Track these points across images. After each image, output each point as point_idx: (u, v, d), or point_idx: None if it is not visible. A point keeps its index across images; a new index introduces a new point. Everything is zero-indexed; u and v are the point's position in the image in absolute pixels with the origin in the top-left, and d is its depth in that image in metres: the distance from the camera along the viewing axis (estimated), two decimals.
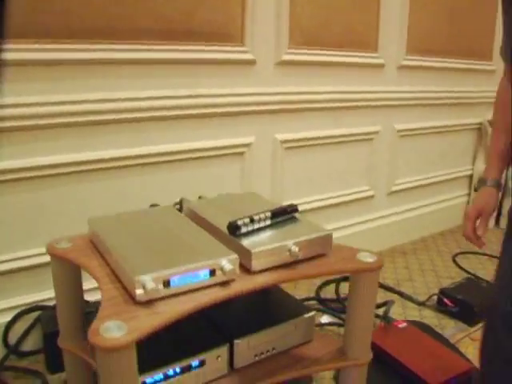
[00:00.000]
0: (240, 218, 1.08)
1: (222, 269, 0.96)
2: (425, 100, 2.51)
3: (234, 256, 0.98)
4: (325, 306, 1.90)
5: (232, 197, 1.34)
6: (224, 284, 0.98)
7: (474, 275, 2.21)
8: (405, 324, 1.68)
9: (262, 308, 1.25)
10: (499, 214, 2.81)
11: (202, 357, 1.05)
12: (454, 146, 2.79)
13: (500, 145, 1.10)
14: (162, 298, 0.92)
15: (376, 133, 2.35)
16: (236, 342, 1.10)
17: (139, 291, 0.88)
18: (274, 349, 1.17)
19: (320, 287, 2.05)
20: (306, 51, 1.99)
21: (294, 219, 1.18)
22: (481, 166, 2.84)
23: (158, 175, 1.72)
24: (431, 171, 2.70)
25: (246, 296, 1.29)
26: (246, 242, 1.04)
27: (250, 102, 1.89)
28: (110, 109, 1.55)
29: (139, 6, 1.55)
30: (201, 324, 1.17)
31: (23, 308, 1.57)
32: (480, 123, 2.84)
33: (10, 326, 1.55)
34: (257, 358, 1.14)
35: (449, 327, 1.81)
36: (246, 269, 1.03)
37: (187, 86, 1.72)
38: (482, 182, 1.13)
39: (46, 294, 1.59)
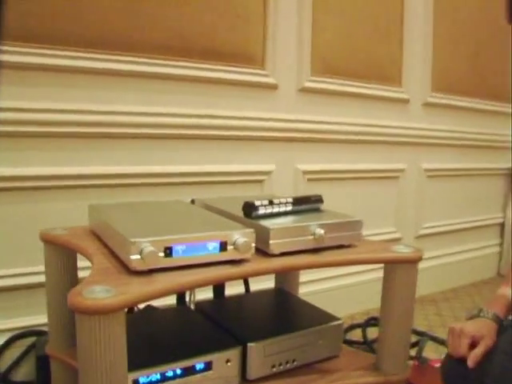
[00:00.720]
0: (258, 199, 0.95)
1: (234, 243, 0.82)
2: (452, 140, 2.40)
3: (250, 230, 0.84)
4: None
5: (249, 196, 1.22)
6: (236, 263, 0.83)
7: None
8: None
9: (281, 314, 1.08)
10: None
11: (208, 358, 0.88)
12: (484, 190, 2.64)
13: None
14: (162, 270, 0.77)
15: (402, 171, 2.23)
16: (250, 345, 0.93)
17: (135, 257, 0.75)
18: (294, 361, 0.99)
19: (345, 331, 1.85)
20: (328, 79, 1.93)
21: (318, 209, 1.05)
22: None
23: (162, 197, 1.60)
24: (460, 216, 2.54)
25: (263, 301, 1.14)
26: (263, 222, 0.90)
27: (271, 127, 1.81)
28: (118, 122, 1.48)
29: (157, 21, 1.51)
30: (211, 328, 1.01)
31: (17, 332, 1.41)
32: (509, 168, 2.71)
33: (1, 351, 1.39)
34: (274, 370, 0.96)
35: None
36: (262, 252, 0.89)
37: (204, 105, 1.65)
38: (481, 312, 0.97)
39: (43, 317, 1.44)
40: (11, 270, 1.39)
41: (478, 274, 2.64)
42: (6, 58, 1.28)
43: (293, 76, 1.84)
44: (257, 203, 0.93)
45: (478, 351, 0.88)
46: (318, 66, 1.89)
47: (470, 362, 0.87)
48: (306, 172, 1.92)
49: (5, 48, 1.27)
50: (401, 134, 2.19)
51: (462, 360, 0.88)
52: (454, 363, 0.91)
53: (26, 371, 1.42)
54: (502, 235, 2.77)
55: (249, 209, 0.92)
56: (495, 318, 0.95)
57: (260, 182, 1.82)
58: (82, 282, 0.71)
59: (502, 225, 2.77)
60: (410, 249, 0.95)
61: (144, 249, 0.74)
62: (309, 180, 1.94)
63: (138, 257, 0.75)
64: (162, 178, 1.57)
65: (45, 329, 1.41)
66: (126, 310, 0.72)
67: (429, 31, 2.23)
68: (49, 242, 0.97)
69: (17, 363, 1.40)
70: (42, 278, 1.27)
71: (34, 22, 1.32)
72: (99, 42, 1.43)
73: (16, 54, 1.30)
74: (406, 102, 2.19)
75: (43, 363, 1.26)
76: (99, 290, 0.69)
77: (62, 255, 0.99)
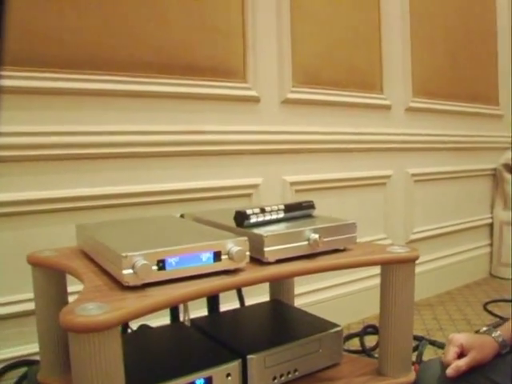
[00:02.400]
0: (249, 208, 0.93)
1: (228, 253, 0.80)
2: (436, 144, 2.42)
3: (243, 238, 0.82)
4: None
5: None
6: (231, 273, 0.81)
7: None
8: None
9: (279, 324, 1.06)
10: None
11: (207, 373, 0.86)
12: (471, 192, 2.65)
13: None
14: (156, 284, 0.75)
15: (388, 177, 2.23)
16: (249, 357, 0.91)
17: (127, 271, 0.72)
18: (296, 371, 0.96)
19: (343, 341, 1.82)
20: (310, 90, 1.93)
21: (310, 216, 1.03)
22: (500, 213, 2.68)
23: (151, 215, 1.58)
24: (449, 219, 2.54)
25: (260, 313, 1.12)
26: (256, 230, 0.89)
27: (255, 140, 1.80)
28: (102, 142, 1.46)
29: (137, 39, 1.51)
30: (208, 343, 0.98)
31: (9, 362, 1.37)
32: (494, 169, 2.73)
33: None
34: (276, 382, 0.94)
35: None
36: (257, 260, 0.87)
37: (188, 121, 1.63)
38: (489, 330, 0.93)
39: (35, 346, 1.40)
40: (0, 298, 1.35)
41: (471, 275, 2.64)
42: None
43: (275, 88, 1.84)
44: (248, 212, 0.92)
45: (461, 362, 0.83)
46: (299, 77, 1.89)
47: (450, 370, 0.83)
48: (293, 183, 1.91)
49: None
50: (385, 140, 2.20)
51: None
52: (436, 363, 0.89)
53: None
54: (491, 235, 2.78)
55: (240, 218, 0.91)
56: (499, 338, 0.90)
57: (248, 195, 1.80)
58: (74, 300, 0.68)
59: (491, 225, 2.78)
60: (405, 249, 0.94)
61: (136, 262, 0.72)
62: (296, 191, 1.93)
63: (131, 271, 0.72)
64: (149, 196, 1.55)
65: (37, 358, 1.37)
66: (120, 327, 0.69)
67: (406, 37, 2.26)
68: (37, 264, 0.94)
69: None
70: (32, 306, 1.24)
71: (14, 44, 1.31)
72: (80, 63, 1.42)
73: None
74: (388, 108, 2.21)
75: None
76: (92, 306, 0.66)
77: (50, 278, 0.96)
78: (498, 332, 0.91)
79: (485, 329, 0.93)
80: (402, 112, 2.27)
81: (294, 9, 1.85)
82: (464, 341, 0.87)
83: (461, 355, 0.85)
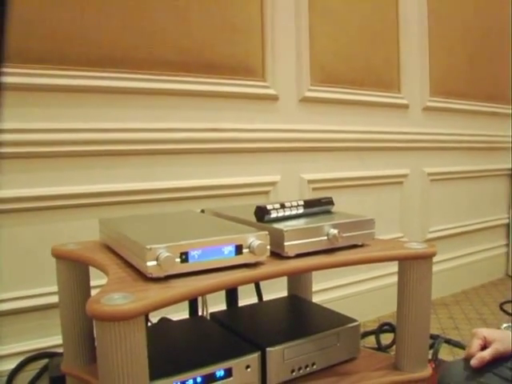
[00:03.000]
0: (269, 203, 0.95)
1: (249, 246, 0.82)
2: (453, 143, 2.41)
3: (264, 233, 0.84)
4: None
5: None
6: (251, 266, 0.83)
7: None
8: None
9: (298, 319, 1.07)
10: None
11: (227, 365, 0.87)
12: (487, 192, 2.64)
13: None
14: (178, 276, 0.77)
15: (405, 176, 2.23)
16: (268, 350, 0.92)
17: (151, 263, 0.74)
18: (314, 364, 0.98)
19: None
20: (328, 88, 1.94)
21: (328, 212, 1.05)
22: None
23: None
24: (466, 219, 2.53)
25: (279, 308, 1.13)
26: (276, 225, 0.90)
27: (274, 138, 1.82)
28: (125, 139, 1.48)
29: (157, 37, 1.53)
30: (228, 336, 1.00)
31: (29, 355, 1.40)
32: (511, 169, 2.71)
33: (14, 374, 1.37)
34: (294, 375, 0.95)
35: None
36: (277, 255, 0.88)
37: (207, 119, 1.65)
38: None
39: (56, 339, 1.42)
40: (23, 291, 1.38)
41: (487, 275, 2.62)
42: (10, 79, 1.29)
43: (293, 86, 1.86)
44: (269, 207, 0.93)
45: (484, 353, 0.86)
46: (317, 76, 1.90)
47: (475, 361, 0.85)
48: (310, 181, 1.92)
49: (9, 70, 1.29)
50: (402, 139, 2.20)
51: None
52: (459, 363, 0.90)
53: None
54: (508, 235, 2.76)
55: (261, 212, 0.92)
56: None
57: (266, 193, 1.82)
58: (100, 291, 0.70)
59: (508, 225, 2.76)
60: (423, 245, 0.95)
61: (160, 255, 0.74)
62: (314, 189, 1.94)
63: (155, 263, 0.74)
64: (169, 193, 1.57)
65: (58, 350, 1.40)
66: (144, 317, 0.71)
67: (424, 36, 2.25)
68: (61, 257, 0.97)
69: None
70: (54, 299, 1.26)
71: (36, 43, 1.34)
72: (102, 61, 1.44)
73: (18, 76, 1.31)
74: (405, 107, 2.21)
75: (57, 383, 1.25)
76: (117, 297, 0.68)
77: (74, 270, 0.98)
78: None
79: (505, 325, 0.95)
80: (420, 111, 2.27)
81: (312, 8, 1.86)
82: (487, 334, 0.89)
83: (484, 348, 0.87)
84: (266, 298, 1.37)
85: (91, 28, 1.41)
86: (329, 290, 1.96)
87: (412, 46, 2.20)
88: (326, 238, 0.90)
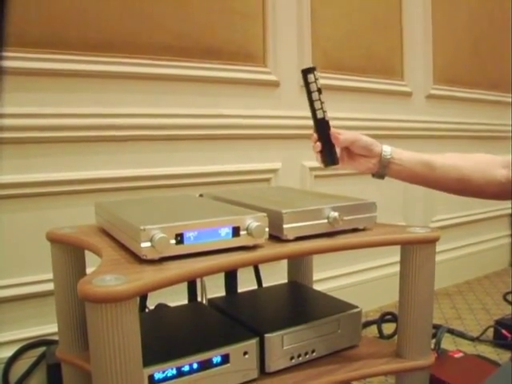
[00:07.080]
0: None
1: (247, 228, 0.79)
2: (456, 132, 2.37)
3: (263, 214, 0.81)
4: None
5: (258, 188, 1.19)
6: (249, 249, 0.80)
7: None
8: (461, 354, 1.44)
9: (298, 305, 1.05)
10: None
11: (224, 351, 0.85)
12: None
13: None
14: (173, 258, 0.75)
15: None
16: (267, 336, 0.90)
17: (145, 245, 0.72)
18: (313, 351, 0.95)
19: None
20: (330, 75, 1.91)
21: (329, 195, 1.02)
22: None
23: None
24: (469, 209, 2.50)
25: (278, 294, 1.11)
26: (275, 207, 0.88)
27: (275, 125, 1.79)
28: (123, 124, 1.46)
29: (156, 22, 1.50)
30: (226, 322, 0.98)
31: (27, 342, 1.38)
32: None
33: (11, 362, 1.35)
34: (293, 362, 0.93)
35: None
36: (276, 238, 0.86)
37: (206, 105, 1.63)
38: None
39: (55, 326, 1.40)
40: (19, 278, 1.36)
41: (490, 265, 2.60)
42: (8, 63, 1.27)
43: (294, 72, 1.82)
44: None
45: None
46: (319, 62, 1.87)
47: None
48: (312, 168, 1.89)
49: (7, 54, 1.26)
50: (405, 127, 2.17)
51: None
52: None
53: (36, 381, 1.38)
54: (511, 226, 2.74)
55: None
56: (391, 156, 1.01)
57: (267, 180, 1.80)
58: (92, 272, 0.68)
59: (511, 215, 2.73)
60: (426, 229, 0.92)
61: (154, 236, 0.72)
62: (316, 177, 1.92)
63: (149, 244, 0.72)
64: (168, 179, 1.55)
65: (55, 338, 1.38)
66: (137, 301, 0.69)
67: (428, 23, 2.22)
68: (55, 240, 0.95)
69: (27, 374, 1.37)
70: (51, 286, 1.24)
71: (34, 27, 1.31)
72: (102, 46, 1.42)
73: (17, 60, 1.29)
74: (408, 94, 2.18)
75: (54, 372, 1.23)
76: (109, 278, 0.66)
77: (69, 254, 0.96)
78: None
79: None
80: (423, 99, 2.24)
81: None
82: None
83: None
84: (265, 284, 1.35)
85: (90, 12, 1.39)
86: (330, 279, 1.94)
87: (416, 33, 2.17)
88: (326, 221, 0.88)
